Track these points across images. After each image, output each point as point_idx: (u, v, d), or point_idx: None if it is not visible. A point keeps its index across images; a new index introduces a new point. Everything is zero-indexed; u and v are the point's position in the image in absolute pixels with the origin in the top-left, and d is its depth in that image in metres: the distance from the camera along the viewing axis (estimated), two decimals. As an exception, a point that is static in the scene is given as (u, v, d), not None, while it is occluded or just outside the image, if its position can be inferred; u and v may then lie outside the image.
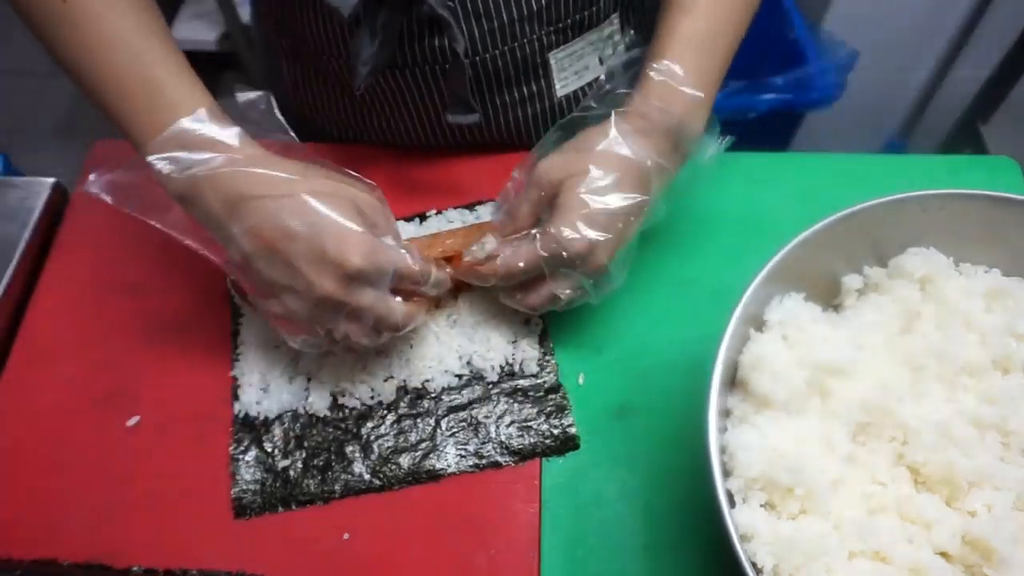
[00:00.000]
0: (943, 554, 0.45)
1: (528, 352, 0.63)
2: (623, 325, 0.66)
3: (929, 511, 0.46)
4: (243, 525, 0.57)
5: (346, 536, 0.57)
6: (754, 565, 0.43)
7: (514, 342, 0.64)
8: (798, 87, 1.43)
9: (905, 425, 0.49)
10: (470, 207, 0.72)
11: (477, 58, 0.67)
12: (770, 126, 1.50)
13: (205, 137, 0.51)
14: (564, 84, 0.73)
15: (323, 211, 0.50)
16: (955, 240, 0.54)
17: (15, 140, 2.09)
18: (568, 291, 0.58)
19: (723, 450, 0.47)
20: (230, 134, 0.52)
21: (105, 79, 0.52)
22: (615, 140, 0.56)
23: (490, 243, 0.59)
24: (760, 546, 0.44)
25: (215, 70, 2.06)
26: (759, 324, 0.51)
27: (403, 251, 0.54)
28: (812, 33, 1.51)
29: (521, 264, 0.57)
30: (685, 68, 0.57)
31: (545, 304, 0.59)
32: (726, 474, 0.46)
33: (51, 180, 0.74)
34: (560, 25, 0.67)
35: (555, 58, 0.70)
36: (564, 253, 0.55)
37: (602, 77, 0.61)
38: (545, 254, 0.55)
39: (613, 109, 0.57)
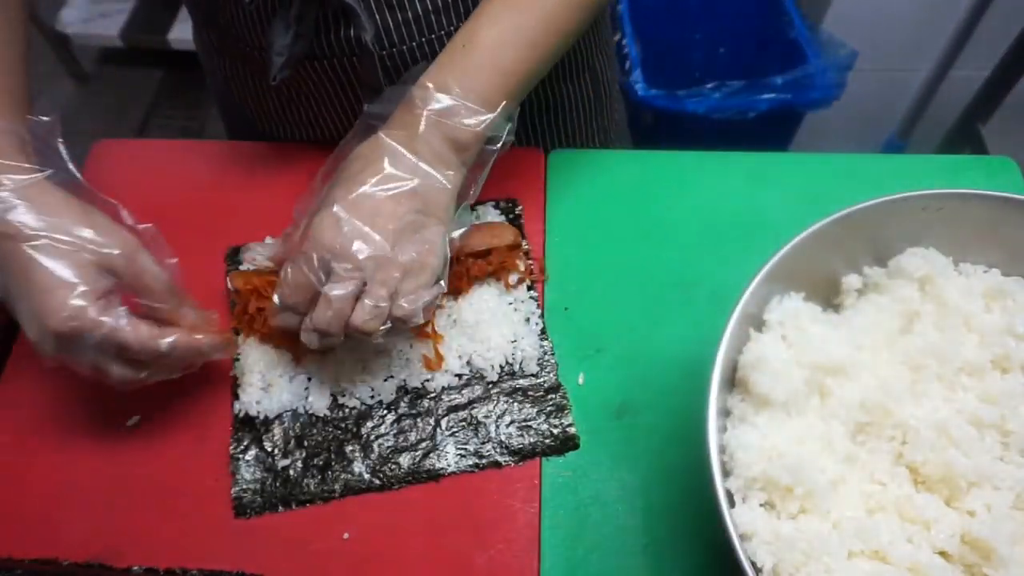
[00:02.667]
0: (942, 554, 0.45)
1: (528, 352, 0.63)
2: (623, 325, 0.66)
3: (928, 511, 0.46)
4: (243, 524, 0.57)
5: (346, 536, 0.57)
6: (754, 564, 0.43)
7: (514, 342, 0.64)
8: (798, 87, 1.44)
9: (904, 425, 0.49)
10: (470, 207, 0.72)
11: (394, 49, 0.67)
12: (770, 126, 1.50)
13: None
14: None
15: (37, 265, 0.49)
16: (955, 240, 0.55)
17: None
18: (338, 290, 0.51)
19: (723, 450, 0.47)
20: (6, 155, 0.51)
21: None
22: (376, 151, 0.54)
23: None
24: (760, 545, 0.44)
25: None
26: (759, 324, 0.51)
27: (125, 325, 0.51)
28: (812, 33, 1.51)
29: (286, 275, 0.54)
30: (456, 71, 0.55)
31: (331, 325, 0.53)
32: (726, 474, 0.46)
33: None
34: None
35: None
36: (320, 244, 0.51)
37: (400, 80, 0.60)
38: (302, 256, 0.52)
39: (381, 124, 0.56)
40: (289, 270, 0.54)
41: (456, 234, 0.58)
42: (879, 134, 1.83)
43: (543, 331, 0.65)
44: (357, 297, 0.52)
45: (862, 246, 0.55)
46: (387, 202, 0.52)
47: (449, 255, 0.57)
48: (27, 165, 0.52)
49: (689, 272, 0.69)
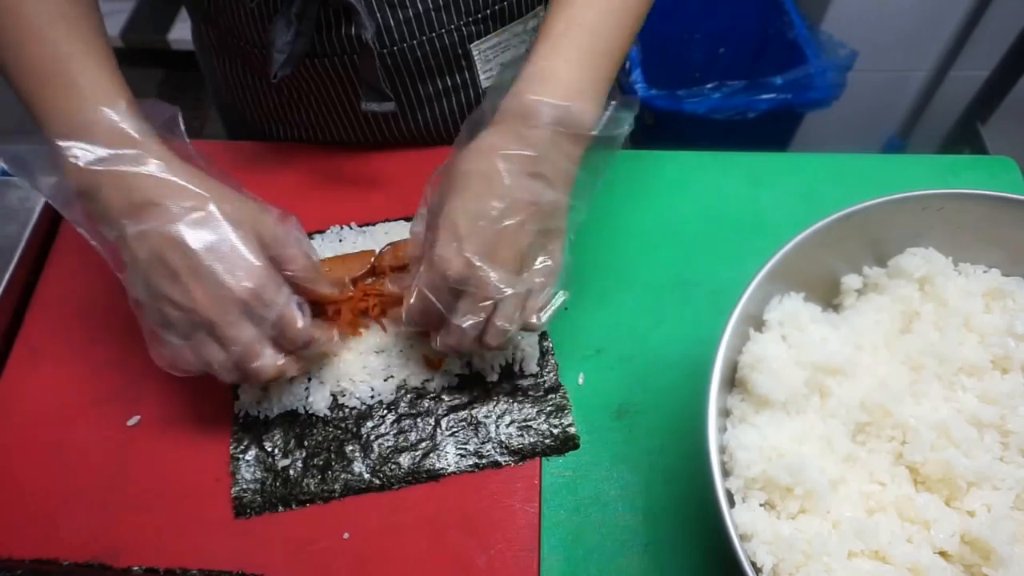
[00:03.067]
0: (942, 553, 0.45)
1: (528, 352, 0.63)
2: (623, 325, 0.66)
3: (928, 511, 0.46)
4: (243, 524, 0.57)
5: (346, 536, 0.57)
6: (753, 564, 0.43)
7: (514, 342, 0.64)
8: (798, 87, 1.44)
9: (904, 425, 0.49)
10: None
11: (395, 48, 0.67)
12: (770, 126, 1.50)
13: (116, 131, 0.50)
14: (489, 76, 0.73)
15: (223, 231, 0.49)
16: (955, 240, 0.55)
17: (15, 140, 2.09)
18: (470, 320, 0.52)
19: (723, 450, 0.47)
20: (143, 131, 0.50)
21: (21, 71, 0.51)
22: (493, 171, 0.51)
23: (404, 279, 0.57)
24: (759, 545, 0.44)
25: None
26: (759, 324, 0.51)
27: (296, 310, 0.52)
28: (812, 33, 1.51)
29: (412, 301, 0.53)
30: (559, 58, 0.52)
31: (461, 344, 0.53)
32: (726, 474, 0.46)
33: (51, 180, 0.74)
34: (479, 16, 0.67)
35: (478, 49, 0.70)
36: (446, 277, 0.51)
37: (499, 75, 0.58)
38: (425, 284, 0.52)
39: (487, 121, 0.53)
40: (414, 299, 0.53)
41: (580, 212, 0.56)
42: (879, 134, 1.83)
43: (543, 331, 0.65)
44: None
45: (862, 246, 0.55)
46: (510, 231, 0.51)
47: (571, 259, 0.56)
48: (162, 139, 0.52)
49: (689, 272, 0.69)
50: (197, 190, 0.50)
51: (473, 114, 0.55)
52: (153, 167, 0.49)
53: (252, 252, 0.50)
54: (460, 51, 0.70)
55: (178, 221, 0.49)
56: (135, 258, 0.50)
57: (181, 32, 2.02)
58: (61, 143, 0.49)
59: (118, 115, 0.50)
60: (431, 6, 0.65)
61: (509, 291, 0.51)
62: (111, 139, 0.49)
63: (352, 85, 0.71)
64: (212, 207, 0.50)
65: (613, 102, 0.54)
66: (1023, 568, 0.43)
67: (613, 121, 0.54)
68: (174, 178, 0.50)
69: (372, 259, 0.63)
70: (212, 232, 0.49)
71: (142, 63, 2.15)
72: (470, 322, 0.52)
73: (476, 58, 0.71)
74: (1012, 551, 0.43)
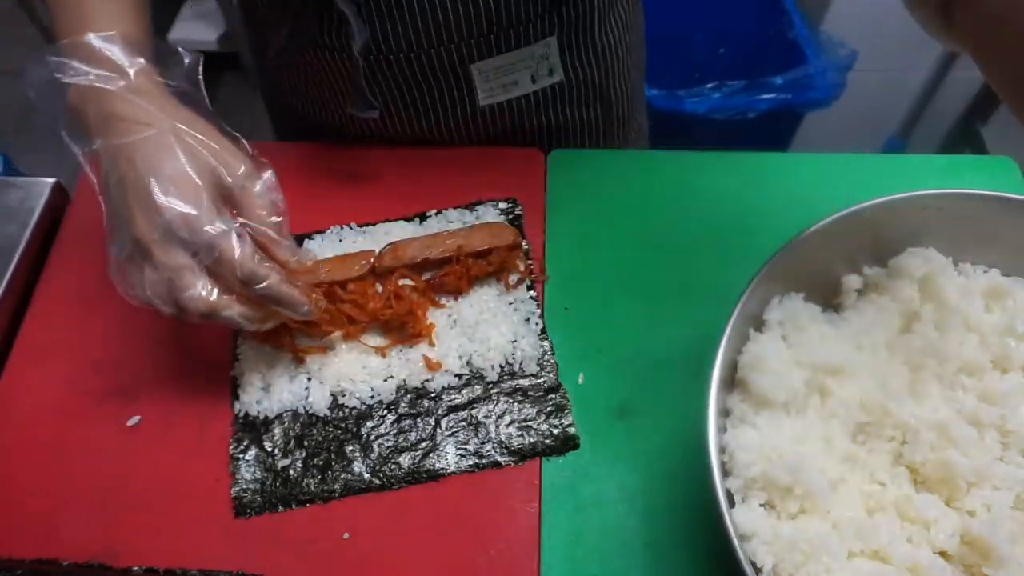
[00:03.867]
0: (942, 553, 0.45)
1: (528, 352, 0.63)
2: (623, 325, 0.66)
3: (928, 511, 0.46)
4: (243, 524, 0.57)
5: (346, 536, 0.57)
6: (753, 564, 0.43)
7: (514, 342, 0.64)
8: (798, 87, 1.44)
9: (904, 425, 0.49)
10: (470, 207, 0.72)
11: (391, 56, 0.67)
12: (770, 126, 1.50)
13: (105, 56, 0.52)
14: (488, 95, 0.73)
15: (171, 154, 0.50)
16: (955, 240, 0.55)
17: (15, 140, 2.09)
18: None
19: (723, 450, 0.47)
20: (131, 62, 0.52)
21: None
22: None
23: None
24: (759, 545, 0.44)
25: (215, 70, 2.06)
26: (759, 324, 0.51)
27: (233, 238, 0.51)
28: (812, 33, 1.51)
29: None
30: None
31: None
32: (726, 474, 0.46)
33: (51, 180, 0.74)
34: (480, 38, 0.68)
35: (478, 69, 0.70)
36: None
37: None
38: None
39: None
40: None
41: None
42: (879, 134, 1.83)
43: (543, 331, 0.65)
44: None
45: (862, 246, 0.55)
46: None
47: None
48: (159, 71, 0.54)
49: (689, 272, 0.69)
50: (158, 113, 0.51)
51: None
52: (125, 89, 0.51)
53: (193, 178, 0.50)
54: (459, 69, 0.70)
55: (131, 138, 0.50)
56: (103, 172, 0.52)
57: (181, 32, 2.02)
58: (52, 58, 0.52)
59: (110, 42, 0.52)
60: (431, 23, 0.65)
61: None
62: (98, 63, 0.52)
63: (350, 79, 0.71)
64: (168, 131, 0.51)
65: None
66: (1023, 568, 0.43)
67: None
68: (143, 101, 0.51)
69: (372, 259, 0.63)
70: (160, 153, 0.50)
71: (142, 63, 2.15)
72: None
73: (476, 77, 0.71)
74: (1012, 551, 0.43)
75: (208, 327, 0.65)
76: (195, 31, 1.99)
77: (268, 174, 0.55)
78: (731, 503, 0.46)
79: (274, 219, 0.54)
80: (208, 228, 0.50)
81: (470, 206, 0.72)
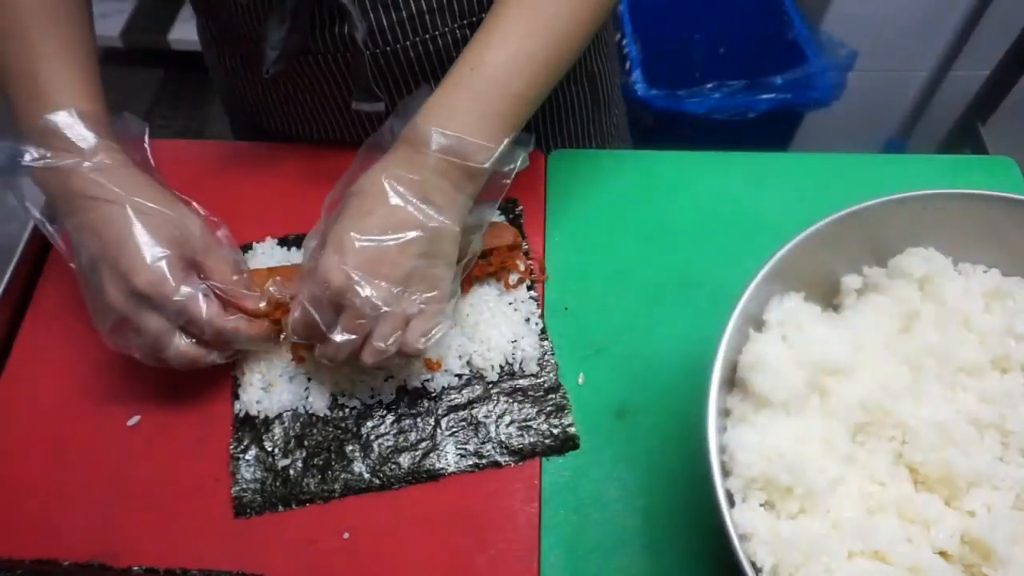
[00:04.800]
0: (942, 554, 0.45)
1: (528, 352, 0.63)
2: (623, 325, 0.66)
3: (928, 511, 0.46)
4: (243, 524, 0.57)
5: (346, 536, 0.57)
6: (753, 565, 0.43)
7: (514, 342, 0.64)
8: (798, 87, 1.44)
9: (904, 425, 0.49)
10: None
11: (388, 48, 0.67)
12: (770, 126, 1.50)
13: (64, 137, 0.55)
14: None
15: (131, 228, 0.53)
16: (955, 240, 0.54)
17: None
18: (344, 336, 0.53)
19: (723, 450, 0.47)
20: (87, 138, 0.55)
21: (2, 68, 0.56)
22: (381, 192, 0.53)
23: (269, 293, 0.59)
24: (759, 545, 0.44)
25: (215, 70, 2.06)
26: (759, 324, 0.51)
27: (200, 302, 0.54)
28: (812, 33, 1.51)
29: (295, 313, 0.55)
30: (460, 96, 0.54)
31: (337, 357, 0.55)
32: (725, 474, 0.46)
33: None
34: (474, 19, 0.67)
35: None
36: (326, 290, 0.52)
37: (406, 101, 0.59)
38: (307, 297, 0.53)
39: (384, 152, 0.55)
40: (298, 312, 0.55)
41: (475, 244, 0.59)
42: (879, 134, 1.83)
43: (543, 331, 0.65)
44: (367, 335, 0.54)
45: (862, 246, 0.55)
46: (392, 250, 0.52)
47: (459, 291, 0.59)
48: (115, 144, 0.57)
49: (689, 272, 0.69)
50: (117, 189, 0.54)
51: (371, 137, 0.58)
52: (85, 167, 0.54)
53: (157, 249, 0.53)
54: (454, 54, 0.69)
55: (96, 215, 0.54)
56: (74, 248, 0.56)
57: (181, 32, 2.02)
58: (15, 145, 0.55)
59: (68, 121, 0.55)
60: (425, 8, 0.65)
61: (385, 309, 0.52)
62: (57, 142, 0.55)
63: (345, 83, 0.71)
64: (128, 205, 0.54)
65: (507, 138, 0.55)
66: (1023, 568, 0.43)
67: (507, 156, 0.56)
68: (103, 180, 0.54)
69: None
70: (123, 227, 0.53)
71: (142, 63, 2.15)
72: (343, 337, 0.53)
73: None
74: (1012, 551, 0.43)
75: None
76: (193, 32, 1.99)
77: (222, 232, 0.60)
78: (731, 503, 0.46)
79: (235, 277, 0.58)
80: (175, 297, 0.53)
81: (470, 206, 0.72)
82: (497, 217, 0.71)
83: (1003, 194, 0.52)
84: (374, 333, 0.53)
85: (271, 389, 0.62)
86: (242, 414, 0.62)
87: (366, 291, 0.52)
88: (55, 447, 0.61)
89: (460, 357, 0.63)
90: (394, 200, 0.52)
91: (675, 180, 0.76)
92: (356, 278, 0.52)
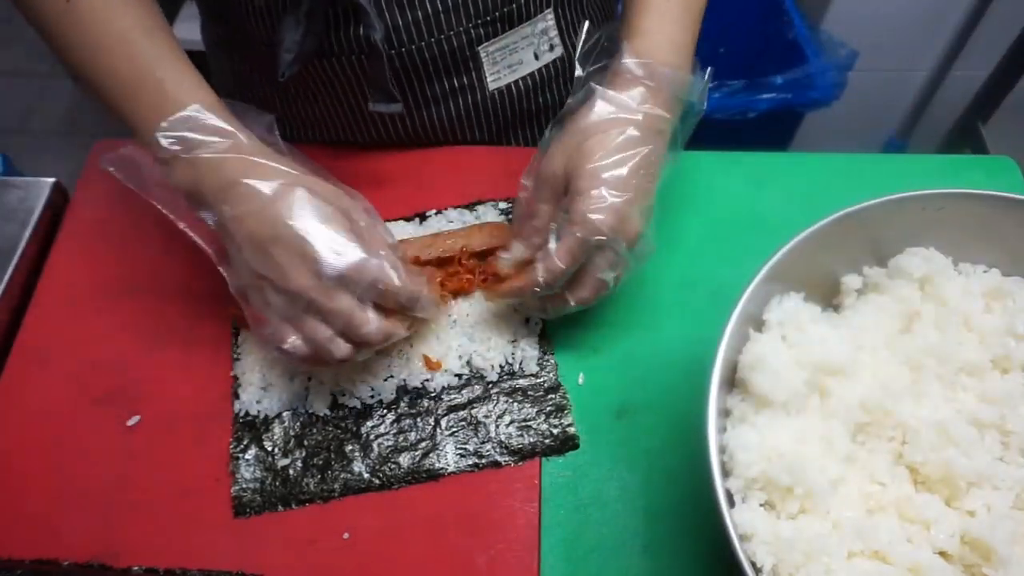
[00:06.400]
0: (942, 554, 0.45)
1: (528, 352, 0.63)
2: (623, 325, 0.66)
3: (928, 511, 0.46)
4: (243, 524, 0.57)
5: (346, 535, 0.57)
6: (753, 565, 0.43)
7: (514, 342, 0.64)
8: (798, 87, 1.43)
9: (904, 425, 0.49)
10: (470, 207, 0.72)
11: (403, 49, 0.67)
12: (770, 126, 1.50)
13: (210, 125, 0.52)
14: (496, 78, 0.73)
15: (314, 209, 0.51)
16: (955, 240, 0.54)
17: (15, 140, 2.09)
18: (611, 272, 0.56)
19: (723, 450, 0.47)
20: (234, 125, 0.53)
21: (110, 78, 0.53)
22: (601, 108, 0.56)
23: (518, 250, 0.59)
24: (759, 545, 0.44)
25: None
26: (758, 324, 0.51)
27: (390, 269, 0.53)
28: (812, 33, 1.51)
29: (562, 264, 0.55)
30: (667, 26, 0.59)
31: (594, 294, 0.57)
32: (725, 474, 0.46)
33: (51, 180, 0.74)
34: (488, 18, 0.68)
35: (485, 52, 0.70)
36: (600, 232, 0.54)
37: (579, 72, 0.61)
38: (580, 240, 0.54)
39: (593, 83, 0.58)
40: (563, 255, 0.55)
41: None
42: (879, 134, 1.83)
43: (543, 331, 0.65)
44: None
45: (862, 246, 0.55)
46: (644, 183, 0.56)
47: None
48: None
49: (689, 272, 0.69)
50: (288, 170, 0.53)
51: (564, 110, 0.60)
52: (245, 151, 0.52)
53: (342, 228, 0.52)
54: (468, 53, 0.70)
55: (271, 201, 0.51)
56: (233, 242, 0.52)
57: (181, 32, 2.00)
58: (160, 136, 0.52)
59: (207, 111, 0.53)
60: (440, 8, 0.65)
61: (650, 246, 0.57)
62: (204, 131, 0.52)
63: (360, 85, 0.71)
64: (302, 188, 0.52)
65: (702, 71, 0.60)
66: (1023, 568, 0.43)
67: (703, 89, 0.60)
68: (264, 160, 0.52)
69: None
70: (297, 207, 0.51)
71: (142, 63, 2.15)
72: (612, 274, 0.56)
73: (484, 60, 0.71)
74: (1012, 551, 0.43)
75: (207, 328, 0.66)
76: (195, 31, 1.99)
77: (368, 205, 0.58)
78: (731, 503, 0.46)
79: (392, 245, 0.57)
80: (372, 266, 0.52)
81: (470, 206, 0.72)
82: (497, 217, 0.71)
83: (1003, 194, 0.52)
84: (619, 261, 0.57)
85: (271, 389, 0.62)
86: (242, 414, 0.62)
87: (631, 223, 0.55)
88: (55, 447, 0.61)
89: (460, 357, 0.63)
90: (639, 135, 0.55)
91: (675, 180, 0.75)
92: (622, 211, 0.54)
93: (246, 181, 0.51)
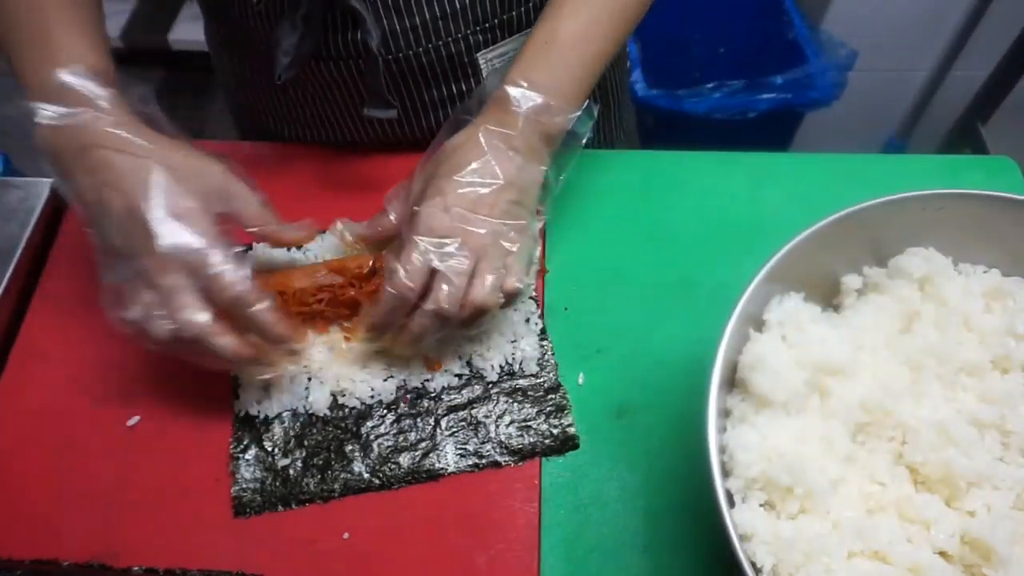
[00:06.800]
0: (942, 554, 0.45)
1: (528, 352, 0.63)
2: (623, 325, 0.66)
3: (928, 511, 0.46)
4: (243, 524, 0.57)
5: (346, 536, 0.57)
6: (753, 565, 0.43)
7: (514, 342, 0.64)
8: (798, 87, 1.44)
9: (904, 425, 0.49)
10: None
11: (401, 54, 0.67)
12: (770, 126, 1.50)
13: (79, 94, 0.52)
14: (494, 85, 0.73)
15: (159, 180, 0.51)
16: (955, 240, 0.54)
17: (15, 141, 2.09)
18: (459, 266, 0.54)
19: (723, 450, 0.47)
20: (105, 95, 0.53)
21: (7, 25, 0.55)
22: (476, 145, 0.57)
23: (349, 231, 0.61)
24: (759, 546, 0.44)
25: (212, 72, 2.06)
26: (758, 324, 0.51)
27: (219, 258, 0.51)
28: (812, 33, 1.51)
29: (406, 258, 0.55)
30: (539, 67, 0.59)
31: (440, 313, 0.55)
32: (725, 474, 0.46)
33: (51, 180, 0.74)
34: (487, 25, 0.68)
35: (484, 58, 0.70)
36: (430, 232, 0.54)
37: (484, 79, 0.62)
38: (413, 241, 0.55)
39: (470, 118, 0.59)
40: (404, 257, 0.55)
41: (539, 224, 0.62)
42: (879, 134, 1.83)
43: (543, 331, 0.65)
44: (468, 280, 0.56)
45: (862, 246, 0.55)
46: (489, 195, 0.56)
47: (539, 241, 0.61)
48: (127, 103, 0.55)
49: (689, 272, 0.69)
50: (141, 142, 0.52)
51: (456, 110, 0.61)
52: (102, 123, 0.52)
53: (186, 199, 0.52)
54: (466, 59, 0.70)
55: (117, 168, 0.51)
56: (87, 207, 0.52)
57: (181, 32, 2.02)
58: (27, 103, 0.52)
59: (78, 76, 0.53)
60: (438, 14, 0.65)
61: (484, 232, 0.55)
62: (69, 99, 0.52)
63: (356, 88, 0.71)
64: (153, 158, 0.52)
65: (586, 103, 0.60)
66: (1023, 568, 0.43)
67: (579, 120, 0.60)
68: (120, 131, 0.52)
69: (372, 260, 0.63)
70: (148, 179, 0.51)
71: (142, 63, 2.15)
72: (458, 267, 0.54)
73: (482, 67, 0.71)
74: (1012, 551, 0.43)
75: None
76: (195, 31, 1.98)
77: (239, 172, 0.57)
78: (731, 503, 0.46)
79: (269, 218, 0.57)
80: (203, 249, 0.51)
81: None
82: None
83: (1003, 194, 0.52)
84: (480, 270, 0.56)
85: (271, 389, 0.62)
86: (242, 414, 0.62)
87: (469, 228, 0.55)
88: (55, 447, 0.61)
89: (460, 357, 0.63)
90: (489, 152, 0.57)
91: (675, 180, 0.76)
92: (457, 218, 0.55)
93: (103, 151, 0.51)
